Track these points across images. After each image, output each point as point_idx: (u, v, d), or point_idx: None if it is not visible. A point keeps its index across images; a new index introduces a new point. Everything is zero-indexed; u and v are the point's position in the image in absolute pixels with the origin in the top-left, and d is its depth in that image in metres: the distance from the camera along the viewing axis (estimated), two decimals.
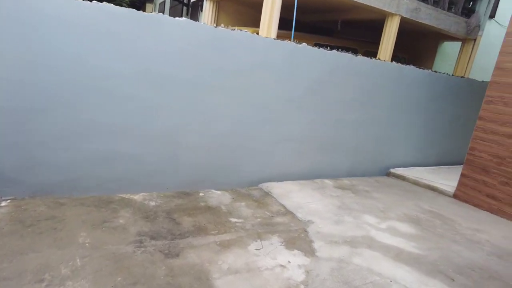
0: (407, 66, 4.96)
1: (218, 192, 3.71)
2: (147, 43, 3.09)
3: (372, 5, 5.62)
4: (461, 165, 6.25)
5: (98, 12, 2.85)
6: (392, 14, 5.88)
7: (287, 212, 3.37)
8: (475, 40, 6.51)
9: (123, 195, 3.24)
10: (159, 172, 3.45)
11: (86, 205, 2.94)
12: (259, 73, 3.77)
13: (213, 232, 2.77)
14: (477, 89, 5.96)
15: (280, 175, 4.33)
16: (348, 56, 4.35)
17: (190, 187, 3.67)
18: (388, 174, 5.28)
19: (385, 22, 5.99)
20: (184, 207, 3.19)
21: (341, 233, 3.02)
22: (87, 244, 2.34)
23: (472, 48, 6.54)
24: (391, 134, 5.17)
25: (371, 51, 6.66)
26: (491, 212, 3.98)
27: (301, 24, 6.64)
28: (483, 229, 3.51)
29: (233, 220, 3.05)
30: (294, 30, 5.54)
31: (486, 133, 4.04)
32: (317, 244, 2.76)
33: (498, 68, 3.92)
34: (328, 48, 4.24)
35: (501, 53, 3.89)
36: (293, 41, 4.00)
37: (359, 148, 4.93)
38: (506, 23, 3.94)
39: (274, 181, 4.25)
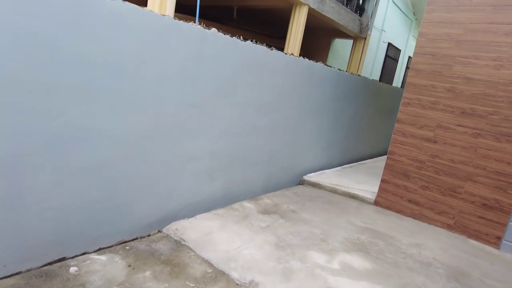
0: (317, 63, 4.49)
1: (102, 257, 2.33)
2: None
3: None
4: (358, 163, 6.49)
5: None
6: (300, 3, 5.35)
7: (218, 274, 2.31)
8: (365, 38, 6.77)
9: None
10: None
11: None
12: (151, 68, 2.52)
13: None
14: (371, 86, 6.11)
15: (189, 207, 3.20)
16: (263, 49, 3.51)
17: (51, 255, 2.17)
18: (302, 182, 4.77)
19: (293, 12, 5.43)
20: None
21: None
22: None
23: (363, 46, 6.80)
24: (301, 138, 4.66)
25: (275, 47, 6.08)
26: (414, 218, 3.86)
27: (183, 6, 5.47)
28: (421, 243, 3.27)
29: None
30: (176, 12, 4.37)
31: (405, 136, 3.87)
32: None
33: (413, 69, 3.77)
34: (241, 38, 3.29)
35: (416, 54, 3.74)
36: (200, 25, 2.89)
37: (274, 157, 4.21)
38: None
39: (182, 217, 3.09)
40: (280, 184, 4.45)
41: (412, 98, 3.80)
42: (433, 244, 3.27)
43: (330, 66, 4.79)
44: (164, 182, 2.90)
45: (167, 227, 2.90)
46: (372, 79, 6.02)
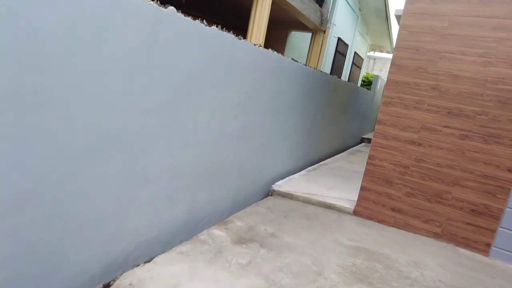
0: (285, 58, 3.93)
1: None
2: None
3: None
4: (320, 164, 6.13)
5: None
6: None
7: None
8: (324, 31, 6.40)
9: None
10: None
11: None
12: (83, 59, 1.69)
13: None
14: (331, 83, 5.78)
15: (143, 245, 2.41)
16: (231, 38, 2.83)
17: None
18: (271, 193, 4.21)
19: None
20: None
21: None
22: None
23: (323, 40, 6.43)
24: (269, 143, 4.08)
25: None
26: (398, 227, 3.56)
27: None
28: (418, 260, 2.93)
29: None
30: None
31: (387, 139, 3.53)
32: None
33: (394, 64, 3.42)
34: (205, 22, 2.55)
35: (397, 48, 3.39)
36: (153, 1, 2.10)
37: (243, 168, 3.57)
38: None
39: (135, 260, 2.30)
40: (249, 198, 3.82)
41: (393, 97, 3.46)
42: (429, 260, 2.96)
43: (297, 61, 4.27)
44: (109, 218, 2.08)
45: (117, 282, 2.08)
46: (332, 75, 5.70)
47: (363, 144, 9.75)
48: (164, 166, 2.45)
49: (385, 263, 2.81)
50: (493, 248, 3.17)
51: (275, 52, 3.68)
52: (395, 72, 3.43)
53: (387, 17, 9.51)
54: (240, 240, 2.82)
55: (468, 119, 3.15)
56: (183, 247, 2.59)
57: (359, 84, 13.05)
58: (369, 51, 13.29)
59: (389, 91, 3.47)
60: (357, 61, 11.46)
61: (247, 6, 4.94)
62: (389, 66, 12.59)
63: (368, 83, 12.92)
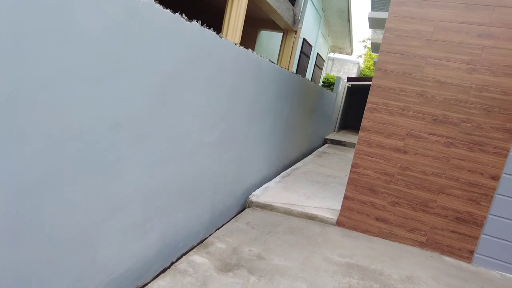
0: (264, 59, 3.64)
1: None
2: None
3: None
4: (292, 168, 5.92)
5: None
6: None
7: None
8: (296, 32, 6.18)
9: None
10: None
11: None
12: (33, 58, 1.26)
13: None
14: (303, 85, 5.62)
15: (115, 282, 1.98)
16: (212, 35, 2.47)
17: None
18: (249, 205, 3.90)
19: None
20: None
21: None
22: None
23: (294, 41, 6.20)
24: (246, 150, 3.78)
25: None
26: (383, 237, 3.45)
27: None
28: (411, 274, 2.82)
29: None
30: None
31: (371, 146, 3.39)
32: None
33: (379, 69, 3.29)
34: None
35: (382, 52, 3.26)
36: None
37: (220, 180, 3.22)
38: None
39: None
40: (225, 212, 3.47)
41: (378, 102, 3.33)
42: (421, 273, 2.87)
43: (273, 63, 4.00)
44: (73, 257, 1.63)
45: None
46: (304, 77, 5.54)
47: (326, 145, 9.82)
48: (136, 189, 2.03)
49: (380, 280, 2.64)
50: (476, 255, 3.18)
51: (254, 52, 3.37)
52: (380, 77, 3.30)
53: (349, 19, 9.66)
54: (226, 267, 2.48)
55: (454, 126, 3.11)
56: (161, 281, 2.19)
57: (320, 85, 13.22)
58: (330, 53, 13.52)
59: (374, 96, 3.34)
60: (319, 63, 11.54)
61: (219, 2, 4.56)
62: (347, 67, 12.97)
63: (328, 84, 13.12)
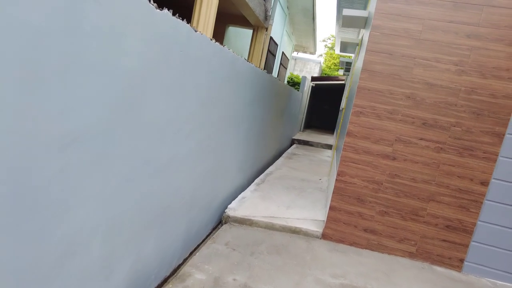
0: (239, 57, 3.26)
1: None
2: None
3: None
4: (265, 173, 5.55)
5: None
6: None
7: None
8: (267, 29, 5.83)
9: None
10: None
11: None
12: None
13: None
14: (276, 85, 5.33)
15: None
16: (186, 27, 2.06)
17: None
18: (226, 220, 3.51)
19: None
20: None
21: None
22: None
23: (265, 38, 5.85)
24: (222, 159, 3.39)
25: None
26: (372, 249, 3.25)
27: None
28: None
29: None
30: None
31: (358, 153, 3.17)
32: None
33: (366, 70, 3.07)
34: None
35: (369, 51, 3.04)
36: None
37: (195, 196, 2.81)
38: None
39: None
40: (201, 231, 3.06)
41: (365, 106, 3.11)
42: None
43: (248, 61, 3.64)
44: None
45: None
46: (276, 77, 5.25)
47: (294, 145, 9.67)
48: (96, 223, 1.57)
49: None
50: (466, 263, 3.08)
51: (231, 50, 2.98)
52: (367, 78, 3.08)
53: (313, 17, 9.57)
54: None
55: (443, 131, 2.97)
56: None
57: (288, 85, 13.08)
58: (293, 52, 13.42)
59: (360, 99, 3.11)
60: (284, 62, 11.38)
61: None
62: (309, 66, 12.94)
63: (292, 84, 13.03)
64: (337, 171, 3.28)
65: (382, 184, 3.16)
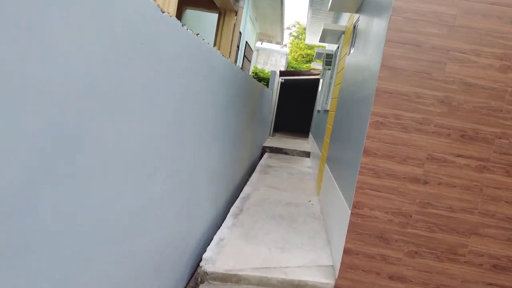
0: (214, 49, 2.71)
1: None
2: None
3: None
4: (242, 197, 4.96)
5: None
6: None
7: None
8: (237, 12, 5.27)
9: None
10: None
11: None
12: None
13: None
14: (250, 83, 4.84)
15: None
16: (153, 5, 1.48)
17: None
18: (202, 278, 2.89)
19: None
20: None
21: None
22: None
23: (235, 24, 5.29)
24: (193, 193, 2.81)
25: None
26: None
27: None
28: None
29: None
30: None
31: (379, 177, 2.77)
32: None
33: (386, 67, 2.67)
34: None
35: (389, 42, 2.65)
36: None
37: (164, 253, 2.20)
38: None
39: None
40: None
41: (386, 114, 2.71)
42: None
43: (222, 55, 3.11)
44: None
45: None
46: (250, 74, 4.76)
47: (266, 155, 9.23)
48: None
49: None
50: None
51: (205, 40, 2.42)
52: (388, 77, 2.69)
53: (281, 0, 9.20)
54: None
55: (487, 144, 2.66)
56: None
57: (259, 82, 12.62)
58: (257, 41, 13.02)
59: (380, 106, 2.71)
60: (248, 54, 10.93)
61: None
62: (274, 58, 12.62)
63: (258, 80, 12.62)
64: (352, 201, 2.85)
65: (411, 216, 2.79)
